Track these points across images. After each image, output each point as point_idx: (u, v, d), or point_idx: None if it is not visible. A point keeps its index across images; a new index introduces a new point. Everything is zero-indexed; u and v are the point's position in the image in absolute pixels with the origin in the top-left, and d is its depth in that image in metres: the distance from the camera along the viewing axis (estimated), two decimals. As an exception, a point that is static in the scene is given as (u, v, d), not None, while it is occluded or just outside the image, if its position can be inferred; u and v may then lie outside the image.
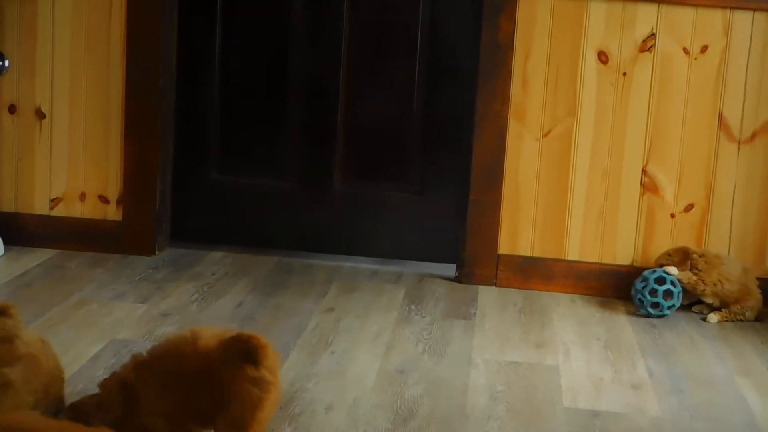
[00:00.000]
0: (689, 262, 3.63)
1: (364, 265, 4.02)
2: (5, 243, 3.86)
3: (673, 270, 3.60)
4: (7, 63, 3.84)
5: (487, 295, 3.77)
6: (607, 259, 3.84)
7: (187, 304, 3.46)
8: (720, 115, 3.75)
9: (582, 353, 3.25)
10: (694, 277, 3.61)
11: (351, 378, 2.92)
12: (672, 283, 3.58)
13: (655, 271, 3.61)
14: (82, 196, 3.94)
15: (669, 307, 3.60)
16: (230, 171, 4.11)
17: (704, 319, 3.62)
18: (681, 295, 3.61)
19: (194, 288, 3.62)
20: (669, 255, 3.68)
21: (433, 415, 2.72)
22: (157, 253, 3.96)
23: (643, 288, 3.59)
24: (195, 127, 4.08)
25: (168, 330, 3.19)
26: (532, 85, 3.79)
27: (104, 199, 3.94)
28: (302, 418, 2.64)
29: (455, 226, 3.96)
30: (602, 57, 3.75)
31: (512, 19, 3.76)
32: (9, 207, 3.92)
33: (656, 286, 3.58)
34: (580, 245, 3.84)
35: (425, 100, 4.03)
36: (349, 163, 4.08)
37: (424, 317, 3.49)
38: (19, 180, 3.94)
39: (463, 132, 3.92)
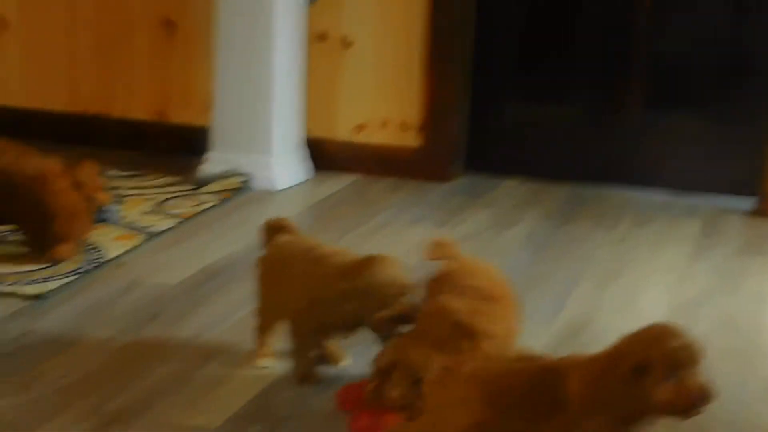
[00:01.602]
0: None
1: (658, 196, 3.98)
2: (312, 167, 4.07)
3: None
4: None
5: (787, 230, 3.65)
6: None
7: (482, 231, 3.55)
8: None
9: None
10: None
11: (641, 310, 2.93)
12: None
13: None
14: (385, 123, 4.10)
15: None
16: (525, 101, 4.15)
17: None
18: None
19: (488, 215, 3.71)
20: None
21: (726, 350, 2.69)
22: (453, 180, 4.08)
23: None
24: (491, 59, 4.14)
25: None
26: None
27: (405, 126, 4.08)
28: (591, 346, 2.67)
29: (756, 157, 3.84)
30: None
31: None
32: (316, 133, 4.13)
33: None
34: None
35: (732, 27, 3.90)
36: (645, 91, 4.03)
37: (719, 251, 3.42)
38: (325, 107, 4.13)
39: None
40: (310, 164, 4.06)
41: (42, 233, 2.96)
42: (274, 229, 2.53)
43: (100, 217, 3.38)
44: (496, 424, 1.88)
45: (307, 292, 2.39)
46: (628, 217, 3.74)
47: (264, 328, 2.50)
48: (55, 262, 2.96)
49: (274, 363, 2.48)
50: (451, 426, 1.93)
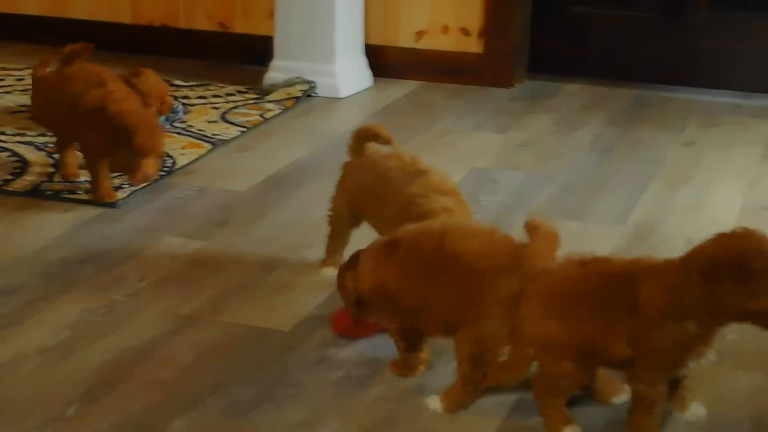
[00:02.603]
0: None
1: (726, 98, 3.91)
2: (373, 74, 4.06)
3: None
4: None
5: None
6: None
7: (545, 135, 3.53)
8: None
9: None
10: None
11: (711, 213, 2.90)
12: None
13: None
14: (445, 29, 4.06)
15: None
16: (589, 2, 4.09)
17: None
18: None
19: (551, 119, 3.69)
20: None
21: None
22: (515, 84, 4.04)
23: None
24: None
25: (525, 160, 3.29)
26: None
27: (466, 32, 4.04)
28: (660, 249, 2.67)
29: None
30: None
31: None
32: (377, 40, 4.10)
33: None
34: None
35: None
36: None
37: (790, 154, 3.38)
38: (386, 14, 4.10)
39: None
40: (371, 71, 4.04)
41: (106, 158, 2.85)
42: (365, 137, 2.43)
43: (169, 119, 3.42)
44: (564, 334, 1.86)
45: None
46: (696, 119, 3.69)
47: (335, 235, 2.50)
48: (142, 180, 2.84)
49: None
50: (528, 338, 1.92)
